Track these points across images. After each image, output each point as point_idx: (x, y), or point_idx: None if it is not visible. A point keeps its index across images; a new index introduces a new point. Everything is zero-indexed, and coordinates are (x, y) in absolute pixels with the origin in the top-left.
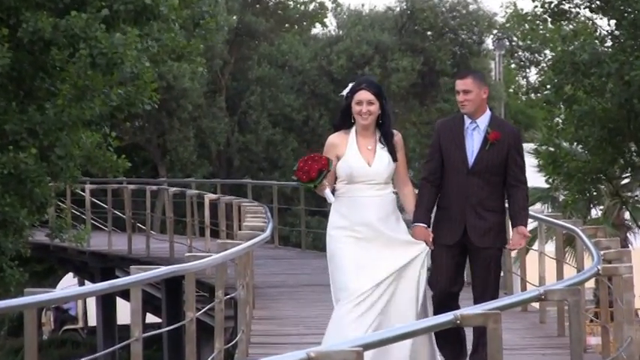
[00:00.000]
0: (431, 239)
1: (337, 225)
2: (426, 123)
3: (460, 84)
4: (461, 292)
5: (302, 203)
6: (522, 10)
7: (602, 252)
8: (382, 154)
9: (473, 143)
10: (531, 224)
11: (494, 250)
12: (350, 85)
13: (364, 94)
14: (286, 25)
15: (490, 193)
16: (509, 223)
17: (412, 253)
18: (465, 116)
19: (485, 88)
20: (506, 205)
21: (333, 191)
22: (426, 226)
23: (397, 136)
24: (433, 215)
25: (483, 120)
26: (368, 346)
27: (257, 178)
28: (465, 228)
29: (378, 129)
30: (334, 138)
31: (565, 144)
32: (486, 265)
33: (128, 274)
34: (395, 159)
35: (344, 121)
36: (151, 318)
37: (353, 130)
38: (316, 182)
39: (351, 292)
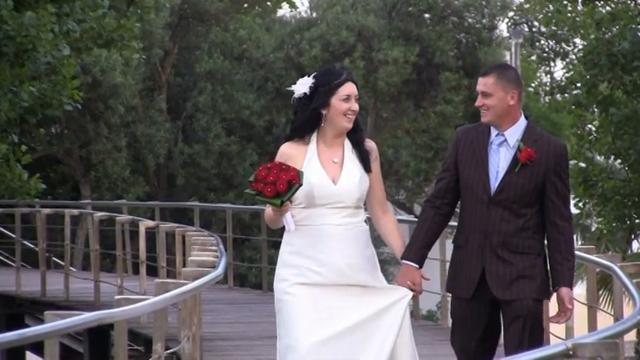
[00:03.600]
0: (419, 283)
1: (287, 263)
2: (423, 131)
3: (479, 83)
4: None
5: (263, 233)
6: None
7: None
8: (352, 167)
9: (498, 162)
10: None
11: (529, 301)
12: (312, 76)
13: (353, 88)
14: (245, 5)
15: (519, 230)
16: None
17: (392, 297)
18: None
19: (513, 91)
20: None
21: None
22: (417, 266)
23: (370, 143)
24: (450, 255)
25: (514, 132)
26: None
27: (206, 200)
28: (482, 275)
29: (347, 137)
30: (288, 149)
31: (599, 158)
32: (518, 321)
33: (42, 322)
34: (368, 168)
35: (313, 125)
36: None
37: (314, 137)
38: (284, 197)
39: (303, 355)
